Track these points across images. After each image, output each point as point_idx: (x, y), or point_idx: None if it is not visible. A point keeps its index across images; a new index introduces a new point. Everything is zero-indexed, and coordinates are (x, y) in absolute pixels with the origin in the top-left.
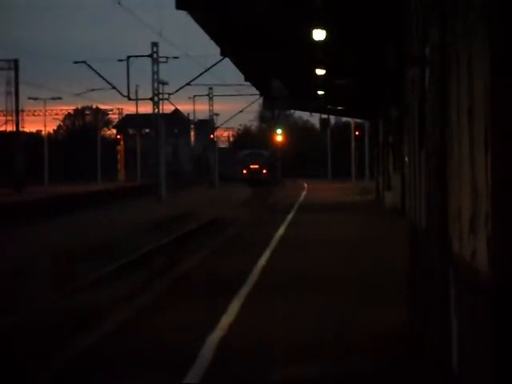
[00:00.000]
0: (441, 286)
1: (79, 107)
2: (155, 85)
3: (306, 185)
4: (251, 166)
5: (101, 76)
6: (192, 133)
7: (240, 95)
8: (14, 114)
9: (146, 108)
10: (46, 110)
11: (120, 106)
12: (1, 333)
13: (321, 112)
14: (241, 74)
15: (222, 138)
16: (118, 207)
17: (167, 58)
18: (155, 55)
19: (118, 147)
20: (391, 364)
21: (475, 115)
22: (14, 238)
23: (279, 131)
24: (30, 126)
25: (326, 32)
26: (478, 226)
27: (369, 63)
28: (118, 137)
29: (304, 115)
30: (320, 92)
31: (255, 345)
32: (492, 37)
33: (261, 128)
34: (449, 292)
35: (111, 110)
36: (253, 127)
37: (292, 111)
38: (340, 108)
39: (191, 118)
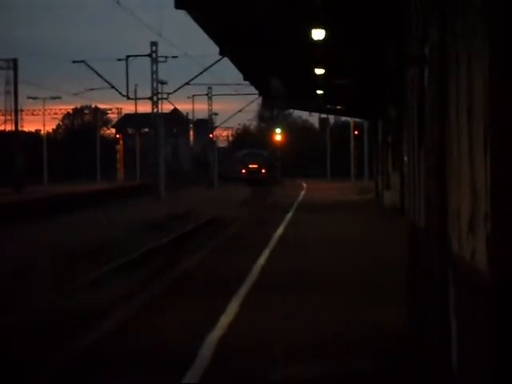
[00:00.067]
0: (440, 285)
1: (78, 107)
2: (154, 84)
3: (305, 184)
4: (250, 166)
5: (100, 75)
6: (191, 132)
7: (239, 95)
8: (13, 114)
9: (145, 107)
10: (45, 110)
11: (119, 106)
12: (0, 332)
13: (320, 111)
14: (240, 73)
15: (221, 138)
16: (118, 207)
17: (166, 57)
18: (154, 55)
19: (118, 147)
20: (391, 364)
21: (474, 115)
22: (14, 237)
23: (278, 131)
24: (29, 126)
25: (326, 32)
26: (478, 225)
27: (368, 63)
28: (117, 136)
29: (303, 115)
30: (319, 91)
31: (255, 345)
32: (492, 37)
33: (260, 127)
34: (448, 292)
35: (110, 109)
36: (252, 127)
37: (291, 111)
38: (339, 107)
39: (190, 117)
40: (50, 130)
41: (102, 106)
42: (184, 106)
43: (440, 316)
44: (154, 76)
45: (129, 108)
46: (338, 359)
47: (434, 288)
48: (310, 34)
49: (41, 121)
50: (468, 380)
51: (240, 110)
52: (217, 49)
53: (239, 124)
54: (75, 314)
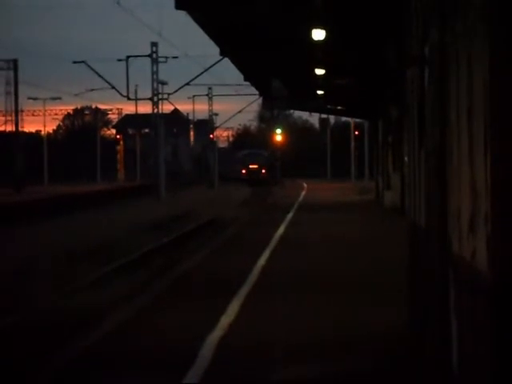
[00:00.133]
0: (440, 285)
1: (79, 107)
2: (155, 85)
3: (305, 185)
4: (250, 166)
5: (100, 76)
6: (191, 133)
7: (239, 95)
8: (13, 114)
9: (145, 108)
10: (45, 110)
11: (119, 106)
12: (1, 333)
13: (320, 112)
14: (240, 73)
15: (222, 138)
16: (118, 207)
17: (167, 57)
18: (155, 55)
19: (118, 147)
20: (391, 364)
21: (475, 115)
22: (14, 237)
23: (279, 131)
24: (29, 126)
25: (326, 32)
26: (478, 225)
27: (369, 63)
28: (118, 137)
29: (303, 115)
30: (320, 92)
31: (255, 345)
32: (492, 37)
33: (260, 128)
34: (448, 292)
35: (111, 109)
36: (252, 127)
37: (291, 111)
38: (340, 108)
39: (191, 117)
40: (51, 131)
41: (102, 107)
42: (184, 107)
43: (440, 316)
44: (155, 76)
45: (129, 108)
46: (338, 359)
47: (435, 288)
48: (310, 34)
49: (41, 121)
50: (468, 380)
51: (240, 111)
52: (217, 49)
53: (239, 124)
54: (75, 314)
